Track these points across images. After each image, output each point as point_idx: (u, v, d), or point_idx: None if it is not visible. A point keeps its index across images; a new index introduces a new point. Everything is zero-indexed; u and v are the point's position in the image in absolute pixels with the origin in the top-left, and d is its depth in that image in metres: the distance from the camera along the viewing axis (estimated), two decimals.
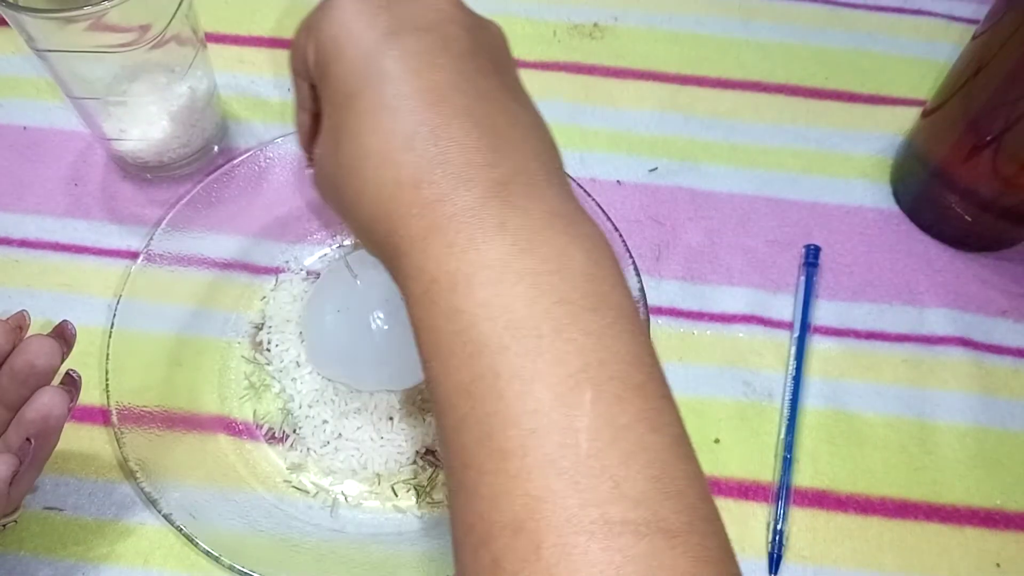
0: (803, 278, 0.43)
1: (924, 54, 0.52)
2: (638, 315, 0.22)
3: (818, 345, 0.42)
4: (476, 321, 0.20)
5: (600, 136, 0.48)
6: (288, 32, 0.51)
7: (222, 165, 0.42)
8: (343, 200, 0.24)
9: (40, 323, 0.39)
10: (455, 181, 0.21)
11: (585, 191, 0.41)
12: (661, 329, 0.42)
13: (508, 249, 0.21)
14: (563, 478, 0.18)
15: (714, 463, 0.38)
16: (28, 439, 0.30)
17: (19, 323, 0.32)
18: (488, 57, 0.24)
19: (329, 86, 0.24)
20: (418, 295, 0.21)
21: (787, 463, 0.38)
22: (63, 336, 0.32)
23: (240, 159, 0.42)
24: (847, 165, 0.48)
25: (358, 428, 0.38)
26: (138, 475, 0.34)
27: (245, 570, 0.32)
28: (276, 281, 0.43)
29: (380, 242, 0.23)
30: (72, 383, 0.32)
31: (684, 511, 0.18)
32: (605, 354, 0.20)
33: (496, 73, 0.24)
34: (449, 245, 0.21)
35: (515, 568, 0.18)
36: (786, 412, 0.39)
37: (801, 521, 0.37)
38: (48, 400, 0.30)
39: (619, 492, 0.18)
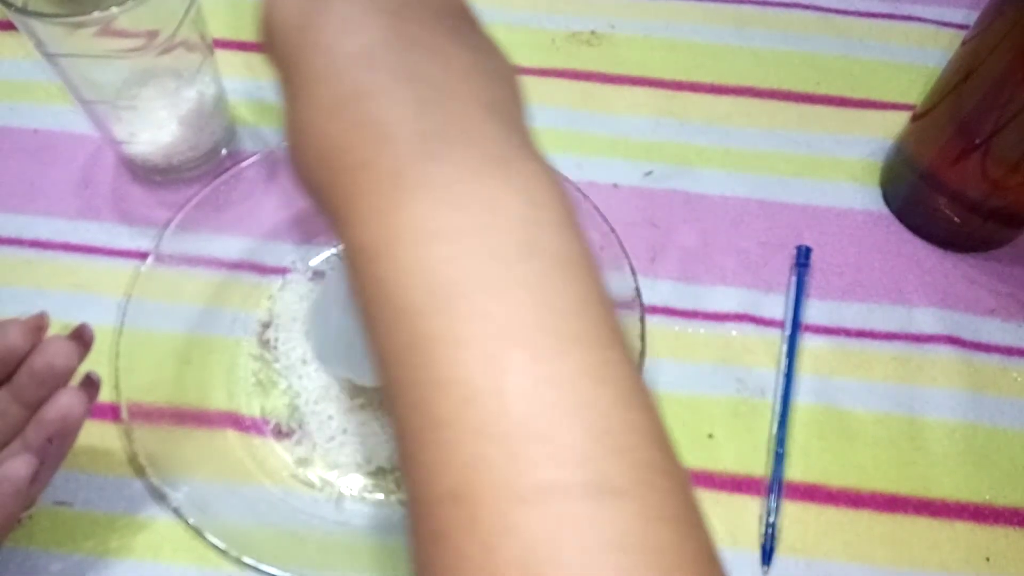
0: (794, 278, 0.44)
1: (914, 59, 0.52)
2: (586, 258, 0.20)
3: (809, 343, 0.42)
4: (399, 289, 0.19)
5: (597, 141, 0.49)
6: None
7: (230, 168, 0.42)
8: (298, 177, 0.24)
9: (53, 323, 0.39)
10: (376, 143, 0.20)
11: (583, 194, 0.42)
12: (656, 328, 0.42)
13: (431, 208, 0.19)
14: (496, 444, 0.17)
15: (708, 458, 0.39)
16: (50, 440, 0.30)
17: (39, 324, 0.32)
18: (424, 5, 0.23)
19: (273, 65, 0.24)
20: (351, 265, 0.21)
21: (779, 458, 0.39)
22: (81, 338, 0.32)
23: (247, 162, 0.43)
24: (838, 168, 0.48)
25: (363, 423, 0.39)
26: (148, 470, 0.34)
27: (253, 562, 0.33)
28: (283, 281, 0.43)
29: (328, 216, 0.22)
30: (91, 384, 0.33)
31: (633, 467, 0.17)
32: (539, 308, 0.18)
33: (436, 18, 0.22)
34: (371, 211, 0.20)
35: (456, 540, 0.17)
36: (778, 408, 0.40)
37: (793, 514, 0.38)
38: (67, 401, 0.30)
39: (556, 454, 0.17)
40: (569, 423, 0.17)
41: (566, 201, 0.21)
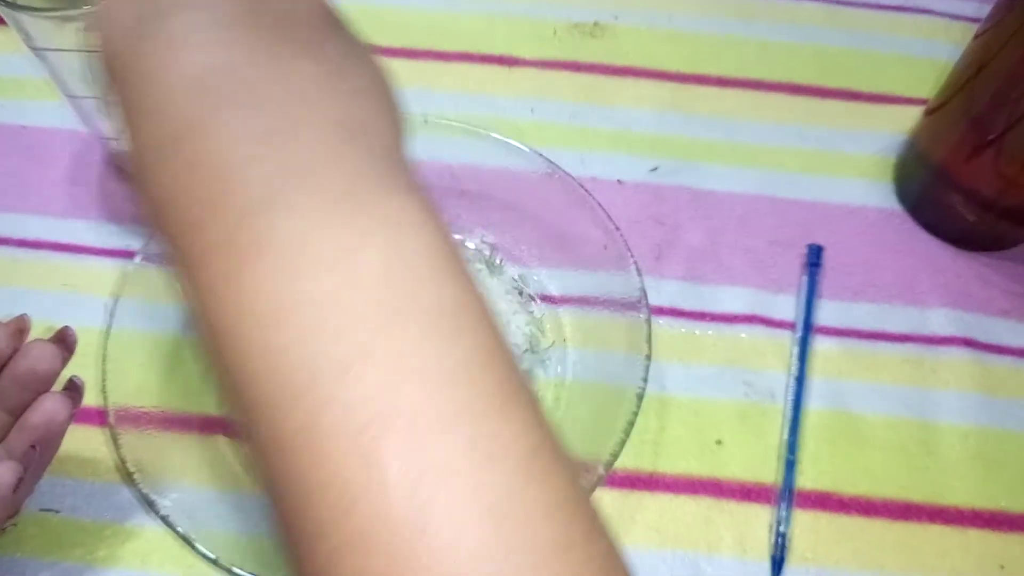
0: (805, 278, 0.43)
1: (925, 53, 0.52)
2: (470, 308, 0.17)
3: (820, 345, 0.41)
4: (249, 378, 0.16)
5: (600, 135, 0.48)
6: None
7: None
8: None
9: (39, 323, 0.38)
10: (212, 195, 0.17)
11: (586, 190, 0.41)
12: (662, 330, 0.41)
13: (277, 276, 0.16)
14: (384, 557, 0.15)
15: (716, 465, 0.38)
16: (33, 446, 0.30)
17: (20, 326, 0.31)
18: (275, 15, 0.19)
19: (109, 85, 0.20)
20: (200, 341, 0.18)
21: (790, 465, 0.38)
22: (64, 341, 0.32)
23: None
24: (849, 164, 0.47)
25: None
26: (136, 477, 0.34)
27: (244, 572, 0.32)
28: None
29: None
30: (75, 389, 0.32)
31: (538, 551, 0.15)
32: (411, 382, 0.16)
33: (288, 28, 0.19)
34: (210, 284, 0.17)
35: None
36: (788, 413, 0.39)
37: (804, 523, 0.37)
38: (51, 406, 0.30)
39: (448, 558, 0.15)
40: (461, 517, 0.15)
41: (441, 238, 0.17)
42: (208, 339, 0.17)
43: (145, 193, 0.18)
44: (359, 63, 0.20)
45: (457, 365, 0.16)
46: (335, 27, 0.21)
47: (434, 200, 0.18)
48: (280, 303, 0.16)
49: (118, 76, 0.19)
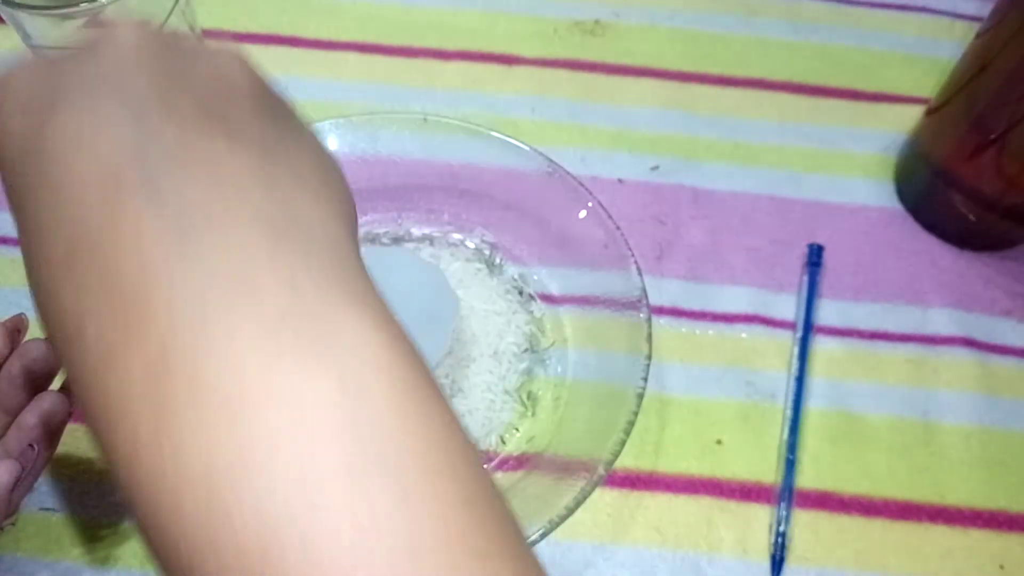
0: (806, 277, 0.43)
1: (927, 51, 0.52)
2: (447, 450, 0.15)
3: (821, 345, 0.41)
4: (179, 552, 0.14)
5: (601, 134, 0.48)
6: (287, 29, 0.51)
7: None
8: None
9: (37, 324, 0.38)
10: (121, 325, 0.14)
11: (586, 189, 0.41)
12: (663, 329, 0.41)
13: (203, 429, 0.13)
14: None
15: (716, 464, 0.38)
16: (31, 445, 0.29)
17: (16, 326, 0.31)
18: (196, 95, 0.17)
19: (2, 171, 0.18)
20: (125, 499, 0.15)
21: (790, 464, 0.38)
22: None
23: None
24: (850, 163, 0.47)
25: None
26: None
27: None
28: None
29: None
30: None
31: None
32: (387, 552, 0.13)
33: (209, 115, 0.17)
34: (124, 440, 0.14)
35: None
36: (789, 413, 0.39)
37: (804, 523, 0.37)
38: (49, 405, 0.30)
39: None
40: None
41: (402, 363, 0.15)
42: (131, 499, 0.14)
43: (45, 310, 0.16)
44: (298, 146, 0.18)
45: (427, 533, 0.14)
46: (269, 106, 0.19)
47: (387, 306, 0.16)
48: (219, 461, 0.13)
49: (11, 159, 0.17)
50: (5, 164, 0.17)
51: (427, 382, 0.15)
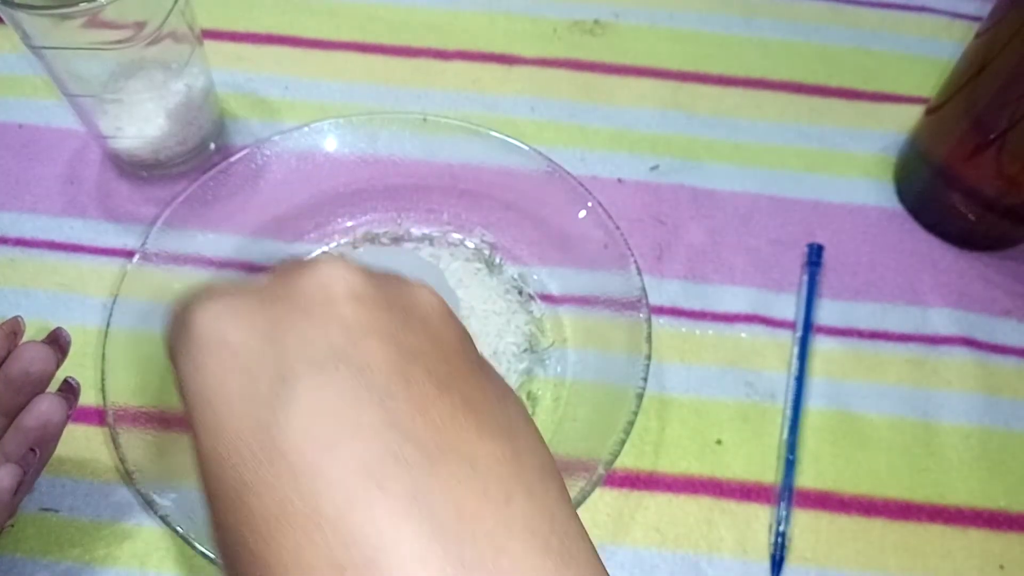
0: (806, 277, 0.43)
1: (927, 51, 0.52)
2: None
3: (821, 345, 0.41)
4: None
5: (601, 134, 0.48)
6: (286, 29, 0.51)
7: (218, 163, 0.41)
8: None
9: (36, 323, 0.38)
10: None
11: (586, 189, 0.41)
12: (663, 329, 0.41)
13: None
14: None
15: (716, 464, 0.38)
16: (32, 449, 0.30)
17: (13, 329, 0.31)
18: (426, 360, 0.17)
19: (199, 449, 0.17)
20: None
21: (790, 464, 0.38)
22: (57, 342, 0.32)
23: (237, 157, 0.42)
24: (850, 163, 0.47)
25: None
26: (135, 476, 0.33)
27: None
28: None
29: None
30: (70, 390, 0.32)
31: None
32: None
33: (438, 385, 0.16)
34: None
35: None
36: (789, 413, 0.39)
37: (804, 523, 0.37)
38: (47, 407, 0.30)
39: None
40: None
41: None
42: None
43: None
44: (504, 394, 0.18)
45: None
46: (471, 349, 0.18)
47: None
48: None
49: (222, 426, 0.16)
50: (228, 439, 0.15)
51: None
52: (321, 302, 0.17)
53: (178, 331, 0.18)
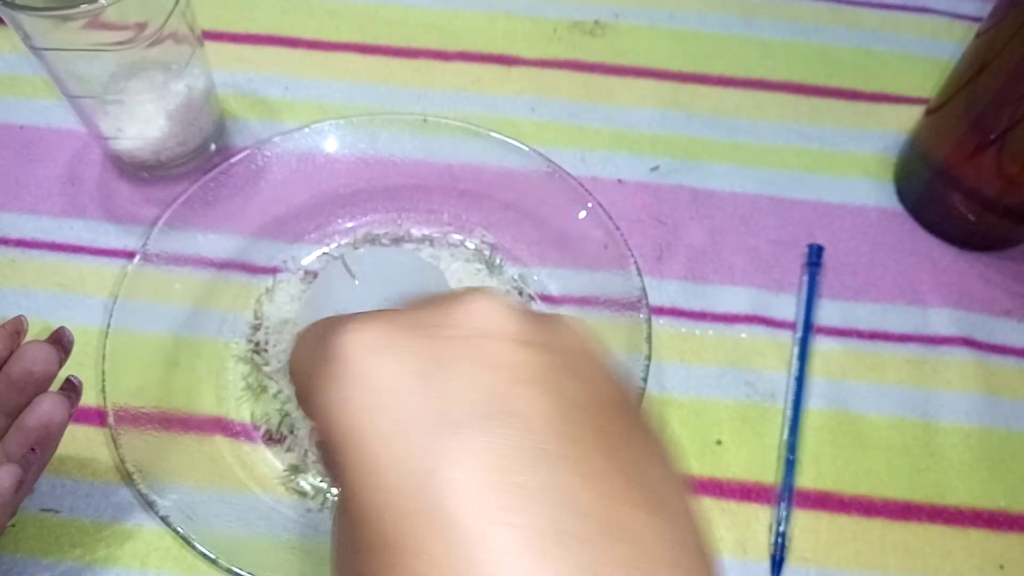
0: (806, 278, 0.43)
1: (927, 52, 0.51)
2: None
3: (821, 345, 0.41)
4: None
5: (601, 134, 0.48)
6: (286, 29, 0.51)
7: (219, 164, 0.41)
8: None
9: (37, 323, 0.38)
10: None
11: (586, 189, 0.41)
12: (663, 329, 0.41)
13: None
14: None
15: (716, 465, 0.38)
16: (33, 448, 0.30)
17: (16, 328, 0.31)
18: (591, 415, 0.16)
19: (349, 493, 0.16)
20: None
21: (790, 465, 0.38)
22: (60, 342, 0.32)
23: (237, 158, 0.42)
24: (850, 164, 0.47)
25: None
26: (135, 477, 0.33)
27: (243, 572, 0.32)
28: (274, 281, 0.42)
29: None
30: (72, 389, 0.32)
31: None
32: None
33: (602, 448, 0.15)
34: None
35: None
36: (789, 413, 0.39)
37: (804, 523, 0.37)
38: (48, 407, 0.30)
39: None
40: None
41: None
42: None
43: None
44: (663, 456, 0.17)
45: None
46: (626, 403, 0.17)
47: None
48: None
49: (397, 505, 0.15)
50: (382, 476, 0.15)
51: None
52: (478, 342, 0.16)
53: (319, 356, 0.17)
